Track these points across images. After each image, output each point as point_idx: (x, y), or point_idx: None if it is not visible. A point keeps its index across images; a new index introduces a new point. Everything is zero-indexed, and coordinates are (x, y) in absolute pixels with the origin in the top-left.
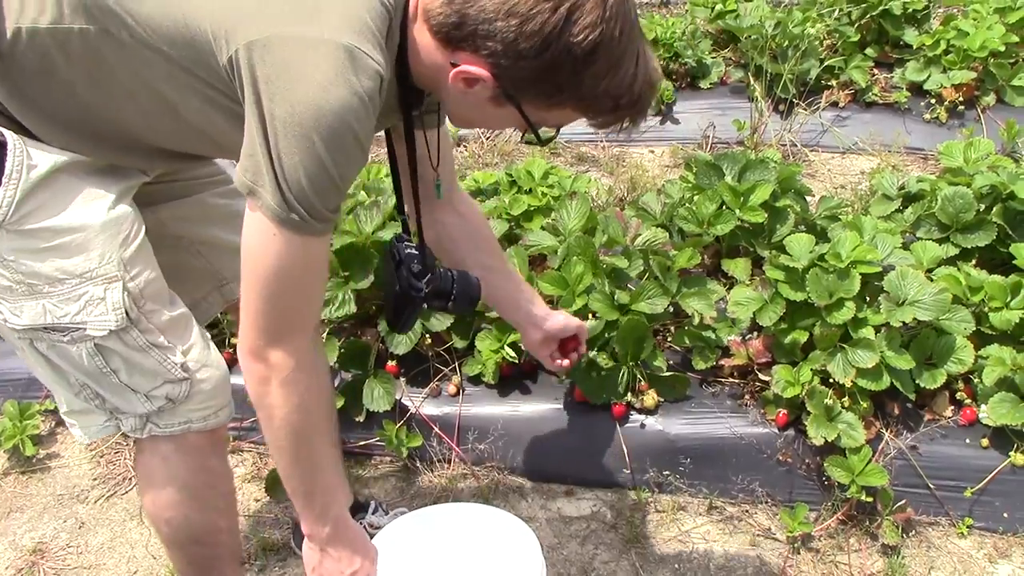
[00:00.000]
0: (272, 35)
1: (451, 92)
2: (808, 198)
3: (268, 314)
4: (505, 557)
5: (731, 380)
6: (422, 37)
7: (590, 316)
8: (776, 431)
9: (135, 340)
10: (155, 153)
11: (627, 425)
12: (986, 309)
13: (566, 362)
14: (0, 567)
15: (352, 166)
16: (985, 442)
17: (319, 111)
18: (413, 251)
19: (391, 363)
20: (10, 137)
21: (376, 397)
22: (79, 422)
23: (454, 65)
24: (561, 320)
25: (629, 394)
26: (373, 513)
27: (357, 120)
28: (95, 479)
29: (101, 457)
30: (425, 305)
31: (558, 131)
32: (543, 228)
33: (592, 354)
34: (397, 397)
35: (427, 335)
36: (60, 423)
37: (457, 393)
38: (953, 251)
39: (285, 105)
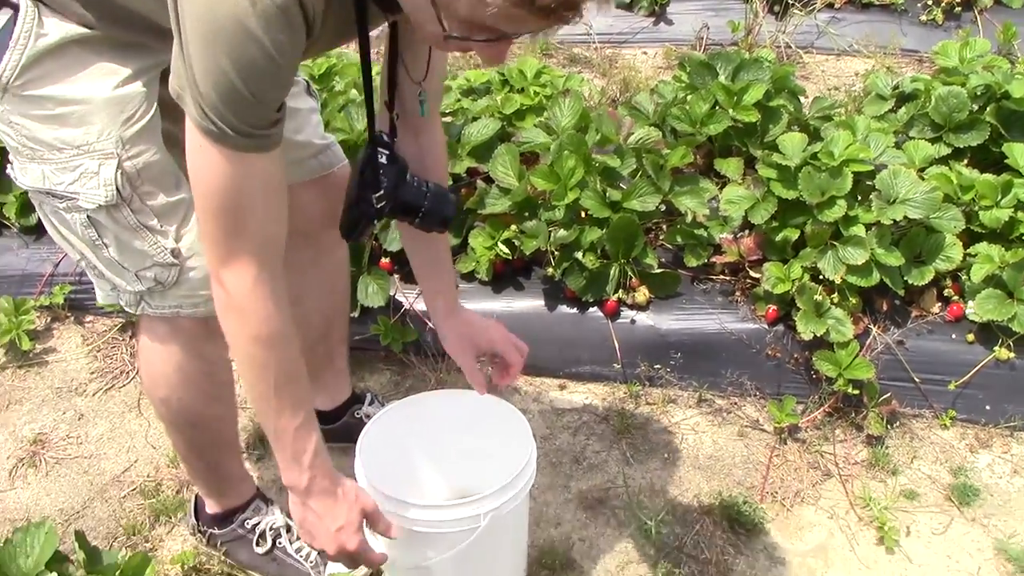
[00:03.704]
0: None
1: None
2: (802, 99)
3: (214, 232)
4: (497, 440)
5: (722, 277)
6: None
7: (582, 214)
8: (766, 327)
9: (126, 219)
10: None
11: (618, 321)
12: (976, 208)
13: (505, 378)
14: (2, 456)
15: (266, 82)
16: (971, 337)
17: (214, 17)
18: (382, 160)
19: (385, 260)
20: (23, 3)
21: (371, 293)
22: (95, 284)
23: None
24: (484, 328)
25: (620, 291)
26: (369, 404)
27: (265, 31)
28: (92, 373)
29: (98, 351)
30: (378, 220)
31: (496, 39)
32: (536, 126)
33: (580, 254)
34: (391, 293)
35: None
36: (56, 318)
37: None
38: (945, 151)
39: (189, 7)
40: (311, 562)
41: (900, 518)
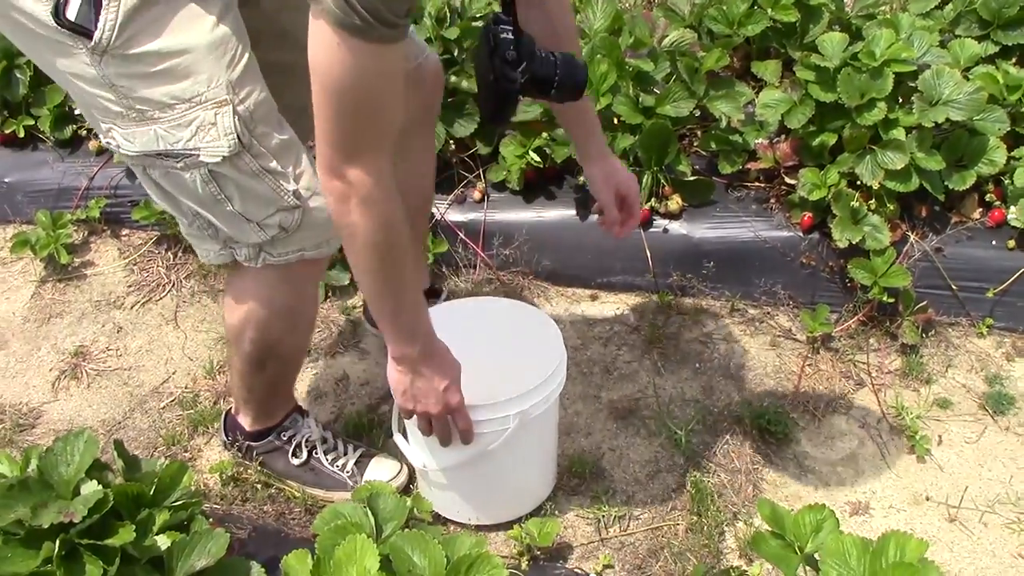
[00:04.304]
0: None
1: None
2: None
3: (342, 130)
4: (528, 347)
5: (757, 184)
6: None
7: (614, 120)
8: (800, 234)
9: (248, 165)
10: None
11: (651, 230)
12: (1023, 109)
13: (624, 230)
14: (45, 368)
15: None
16: (1011, 243)
17: None
18: (509, 36)
19: None
20: None
21: None
22: (198, 245)
23: None
24: (627, 176)
25: (653, 199)
26: (445, 300)
27: None
28: (130, 286)
29: (135, 265)
30: (523, 95)
31: None
32: None
33: None
34: None
35: (451, 141)
36: (93, 232)
37: (482, 199)
38: (993, 49)
39: None
40: (347, 471)
41: (932, 427)
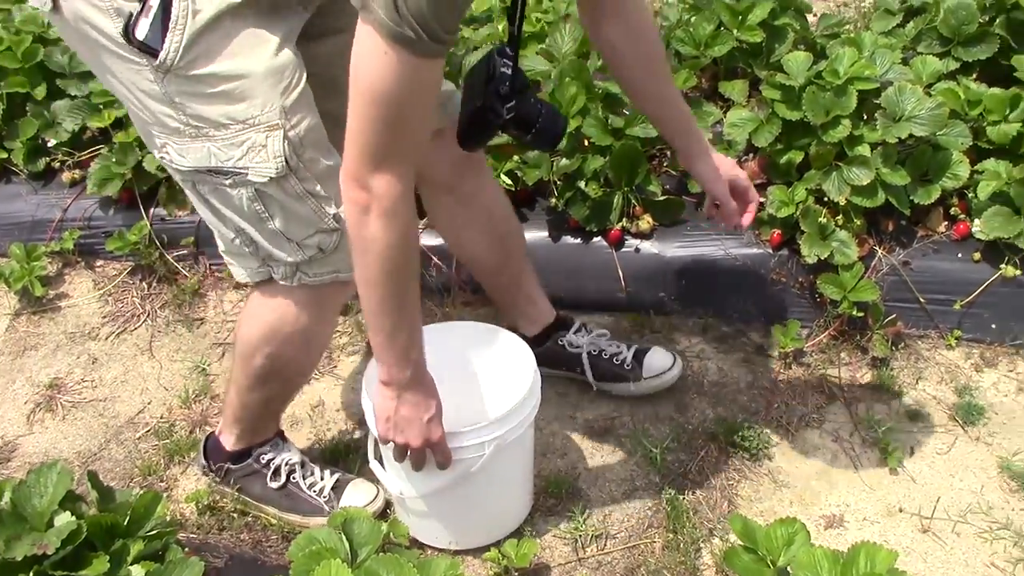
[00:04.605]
0: None
1: None
2: (808, 17)
3: (374, 138)
4: (501, 370)
5: None
6: None
7: (584, 142)
8: (770, 251)
9: (293, 188)
10: None
11: (623, 250)
12: (984, 123)
13: (748, 217)
14: (20, 401)
15: None
16: (977, 256)
17: None
18: (507, 71)
19: None
20: None
21: None
22: (236, 262)
23: None
24: (732, 164)
25: (624, 219)
26: (575, 332)
27: None
28: (104, 317)
29: (109, 296)
30: (501, 132)
31: None
32: (537, 54)
33: (582, 183)
34: None
35: None
36: (67, 264)
37: None
38: (954, 65)
39: None
40: (324, 496)
41: (904, 439)
